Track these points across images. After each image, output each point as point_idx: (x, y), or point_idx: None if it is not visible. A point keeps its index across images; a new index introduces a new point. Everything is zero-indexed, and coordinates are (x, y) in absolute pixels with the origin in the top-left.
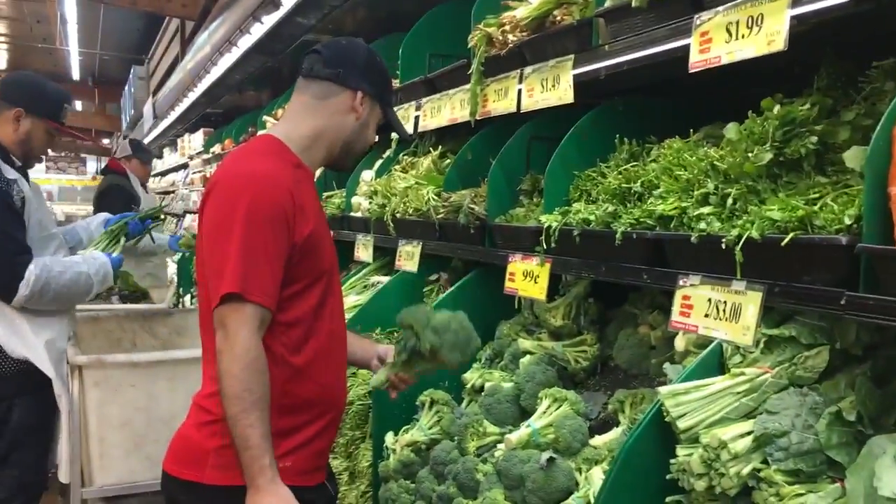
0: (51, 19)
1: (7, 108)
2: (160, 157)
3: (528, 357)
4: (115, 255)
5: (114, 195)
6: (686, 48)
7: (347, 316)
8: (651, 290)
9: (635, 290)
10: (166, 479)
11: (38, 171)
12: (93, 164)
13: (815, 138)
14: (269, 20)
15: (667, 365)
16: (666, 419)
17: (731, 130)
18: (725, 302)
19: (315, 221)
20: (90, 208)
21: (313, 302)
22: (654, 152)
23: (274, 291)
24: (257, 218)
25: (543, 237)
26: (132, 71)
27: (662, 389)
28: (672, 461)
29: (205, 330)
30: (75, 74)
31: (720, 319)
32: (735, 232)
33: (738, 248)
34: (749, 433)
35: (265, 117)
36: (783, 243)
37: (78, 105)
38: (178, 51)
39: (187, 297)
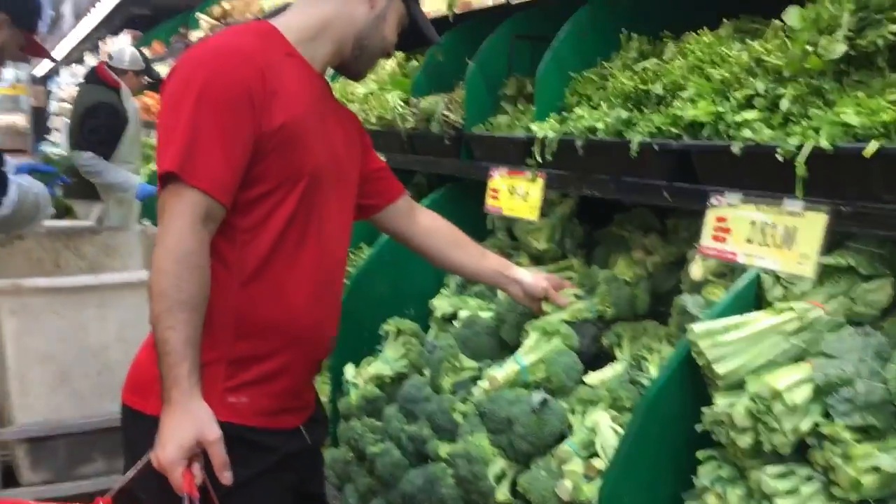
0: None
1: None
2: (81, 61)
3: None
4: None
5: (101, 115)
6: None
7: None
8: (640, 211)
9: (622, 209)
10: (122, 407)
11: None
12: (9, 72)
13: (895, 27)
14: None
15: (685, 297)
16: (699, 362)
17: (792, 16)
18: (775, 225)
19: (296, 114)
20: (10, 118)
21: (289, 208)
22: (671, 49)
23: (225, 180)
24: (212, 94)
25: (537, 148)
26: None
27: (696, 327)
28: (705, 410)
29: None
30: None
31: (768, 245)
32: (794, 140)
33: (800, 160)
34: (807, 381)
35: (198, 14)
36: (867, 153)
37: None
38: None
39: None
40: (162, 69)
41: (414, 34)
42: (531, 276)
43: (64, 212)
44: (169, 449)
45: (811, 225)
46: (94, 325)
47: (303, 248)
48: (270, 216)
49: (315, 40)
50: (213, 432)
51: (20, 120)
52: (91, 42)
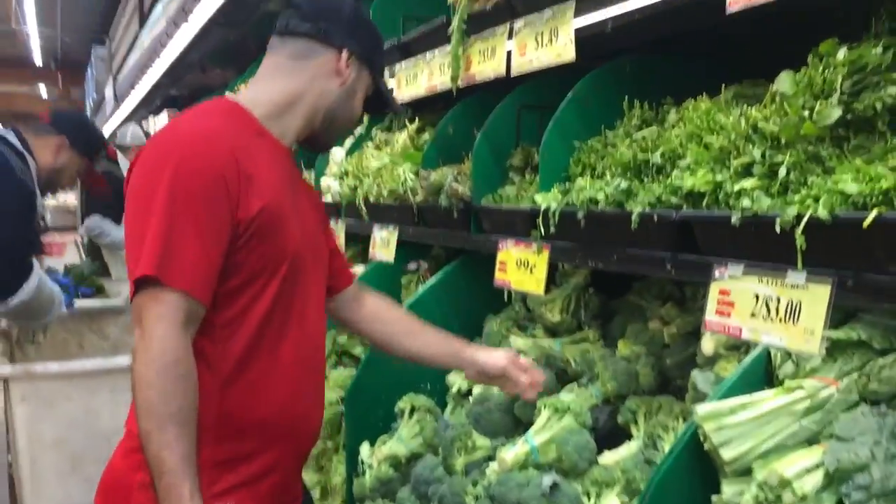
0: None
1: (53, 134)
2: None
3: None
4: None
5: (104, 182)
6: None
7: None
8: (660, 280)
9: (641, 278)
10: None
11: None
12: None
13: (894, 89)
14: None
15: (696, 373)
16: (706, 446)
17: (784, 81)
18: (778, 298)
19: (273, 197)
20: (61, 198)
21: (270, 295)
22: (673, 117)
23: (205, 278)
24: (185, 185)
25: (541, 220)
26: (92, 51)
27: (700, 409)
28: (714, 498)
29: None
30: (37, 59)
31: (772, 320)
32: (793, 210)
33: (798, 230)
34: (817, 467)
35: (228, 94)
36: (865, 223)
37: (43, 91)
38: (136, 28)
39: None
40: None
41: (377, 101)
42: (488, 356)
43: (95, 291)
44: None
45: (815, 298)
46: (106, 409)
47: (285, 336)
48: (251, 306)
49: (284, 115)
50: None
51: (70, 199)
52: (132, 122)
